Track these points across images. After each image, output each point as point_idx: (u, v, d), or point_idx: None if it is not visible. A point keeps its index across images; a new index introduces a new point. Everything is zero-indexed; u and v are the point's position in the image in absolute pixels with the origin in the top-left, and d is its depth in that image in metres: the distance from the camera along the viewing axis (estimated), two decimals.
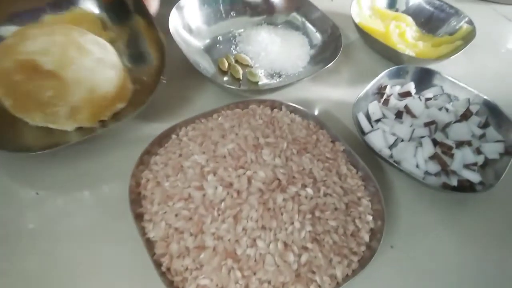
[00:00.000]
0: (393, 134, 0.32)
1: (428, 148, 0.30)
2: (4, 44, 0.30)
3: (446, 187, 0.29)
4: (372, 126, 0.33)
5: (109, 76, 0.31)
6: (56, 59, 0.29)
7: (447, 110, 0.33)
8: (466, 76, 0.39)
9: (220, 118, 0.29)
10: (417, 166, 0.30)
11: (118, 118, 0.31)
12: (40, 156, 0.29)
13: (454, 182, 0.30)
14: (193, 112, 0.33)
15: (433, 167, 0.30)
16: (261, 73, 0.39)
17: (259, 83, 0.38)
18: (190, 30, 0.40)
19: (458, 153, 0.30)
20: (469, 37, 0.41)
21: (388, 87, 0.35)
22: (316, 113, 0.36)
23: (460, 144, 0.31)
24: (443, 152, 0.30)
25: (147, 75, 0.33)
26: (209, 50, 0.40)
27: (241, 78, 0.38)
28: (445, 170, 0.30)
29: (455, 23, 0.43)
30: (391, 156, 0.31)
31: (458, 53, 0.39)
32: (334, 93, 0.39)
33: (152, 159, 0.28)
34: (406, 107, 0.33)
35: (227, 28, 0.42)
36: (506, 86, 0.42)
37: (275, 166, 0.25)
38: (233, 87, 0.35)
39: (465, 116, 0.33)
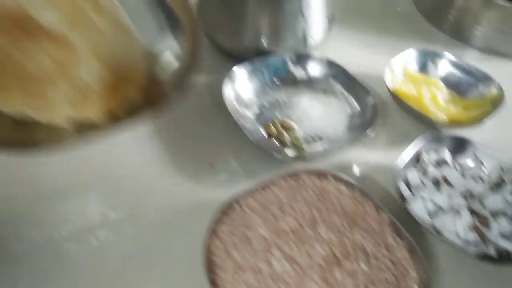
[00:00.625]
0: (433, 202, 0.35)
1: (465, 219, 0.33)
2: None
3: (485, 257, 0.32)
4: (412, 193, 0.36)
5: (124, 44, 0.22)
6: (64, 15, 0.20)
7: (482, 179, 0.36)
8: (497, 142, 0.42)
9: (276, 190, 0.33)
10: (457, 235, 0.33)
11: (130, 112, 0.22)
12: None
13: (492, 251, 0.32)
14: (244, 177, 0.37)
15: (472, 237, 0.33)
16: (304, 138, 0.43)
17: (303, 146, 0.42)
18: (240, 99, 0.44)
19: (494, 224, 0.33)
20: (497, 102, 0.44)
21: (424, 154, 0.38)
22: (356, 175, 0.40)
23: (495, 214, 0.34)
24: (480, 222, 0.33)
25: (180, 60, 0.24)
26: (257, 116, 0.45)
27: (287, 142, 0.42)
28: (483, 240, 0.33)
29: (484, 87, 0.46)
30: (432, 225, 0.34)
31: (489, 117, 0.42)
32: (371, 156, 0.42)
33: (219, 227, 0.31)
34: (443, 177, 0.36)
35: (272, 95, 0.47)
36: None
37: (331, 242, 0.28)
38: (285, 156, 0.39)
39: (499, 185, 0.35)
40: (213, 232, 0.30)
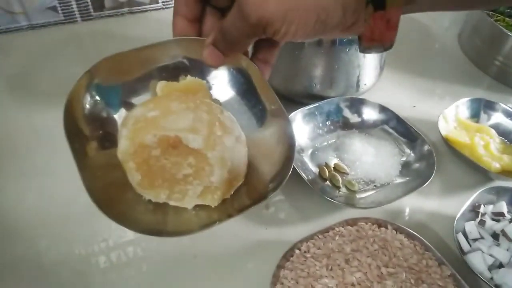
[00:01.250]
0: (492, 256, 0.35)
1: None
2: (144, 118, 0.27)
3: None
4: (470, 245, 0.37)
5: (243, 155, 0.30)
6: (204, 138, 0.27)
7: None
8: None
9: (337, 238, 0.34)
10: None
11: (239, 205, 0.29)
12: None
13: None
14: (299, 219, 0.39)
15: None
16: (357, 181, 0.44)
17: (356, 189, 0.43)
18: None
19: None
20: None
21: (482, 206, 0.39)
22: (412, 224, 0.40)
23: None
24: None
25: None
26: (310, 159, 0.46)
27: (341, 186, 0.44)
28: None
29: None
30: (491, 279, 0.34)
31: None
32: (425, 205, 0.43)
33: (281, 273, 0.33)
34: (502, 231, 0.36)
35: (325, 139, 0.49)
36: None
37: None
38: (338, 200, 0.40)
39: None
40: (276, 278, 0.32)
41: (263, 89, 0.30)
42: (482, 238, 0.37)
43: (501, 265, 0.35)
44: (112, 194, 0.27)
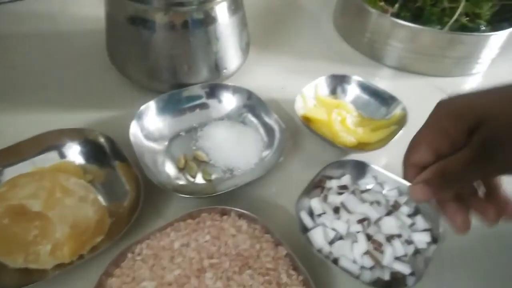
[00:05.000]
0: (333, 230, 0.36)
1: (361, 245, 0.34)
2: None
3: (378, 282, 0.33)
4: (315, 222, 0.37)
5: (90, 212, 0.35)
6: (43, 201, 0.34)
7: (378, 203, 0.37)
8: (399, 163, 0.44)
9: (172, 234, 0.32)
10: (355, 261, 0.34)
11: (94, 250, 0.34)
12: None
13: (387, 275, 0.33)
14: (157, 223, 0.36)
15: (368, 262, 0.34)
16: (215, 170, 0.42)
17: (213, 178, 0.42)
18: (149, 135, 0.44)
19: (389, 248, 0.34)
20: (402, 122, 0.46)
21: (327, 181, 0.39)
22: (265, 209, 0.40)
23: (391, 237, 0.35)
24: (374, 248, 0.34)
25: (123, 207, 0.38)
26: (167, 150, 0.44)
27: (195, 176, 0.42)
28: (378, 265, 0.34)
29: (391, 107, 0.48)
30: (330, 253, 0.34)
31: (395, 138, 0.43)
32: (282, 186, 0.42)
33: (108, 282, 0.30)
34: (342, 203, 0.37)
35: (188, 123, 0.46)
36: None
37: None
38: (186, 196, 0.38)
39: (395, 207, 0.37)
40: (99, 285, 0.29)
41: None
42: (325, 213, 0.37)
43: (341, 238, 0.36)
44: None
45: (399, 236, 0.35)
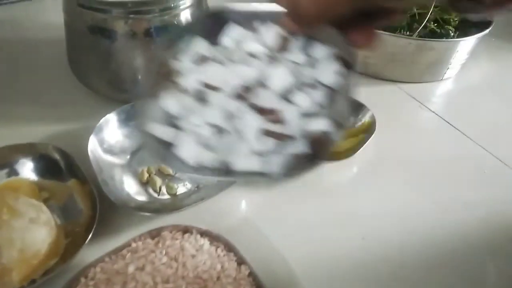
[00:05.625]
0: (208, 126, 0.23)
1: (251, 125, 0.22)
2: None
3: (298, 160, 0.22)
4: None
5: (41, 234, 0.33)
6: None
7: (255, 56, 0.24)
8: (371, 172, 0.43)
9: (128, 256, 0.31)
10: (253, 152, 0.22)
11: (48, 273, 0.32)
12: None
13: (302, 146, 0.22)
14: (116, 242, 0.34)
15: (270, 143, 0.22)
16: (180, 184, 0.41)
17: (178, 193, 0.40)
18: (110, 149, 0.42)
19: (289, 110, 0.22)
20: (371, 129, 0.45)
21: (176, 63, 0.25)
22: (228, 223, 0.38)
23: (287, 93, 0.23)
24: (270, 120, 0.22)
25: (79, 226, 0.35)
26: (128, 163, 0.42)
27: (159, 190, 0.40)
28: (286, 139, 0.22)
29: (360, 115, 0.48)
30: (218, 162, 0.22)
31: (364, 147, 0.43)
32: (251, 199, 0.41)
33: None
34: (203, 82, 0.23)
35: None
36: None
37: None
38: (146, 213, 0.37)
39: (280, 49, 0.24)
40: None
41: None
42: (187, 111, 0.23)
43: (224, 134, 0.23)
44: None
45: (298, 86, 0.23)
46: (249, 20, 0.24)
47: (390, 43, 0.54)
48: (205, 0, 0.47)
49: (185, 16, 0.44)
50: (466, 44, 0.56)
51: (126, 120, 0.44)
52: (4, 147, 0.38)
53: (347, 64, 0.23)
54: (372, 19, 0.22)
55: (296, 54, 0.23)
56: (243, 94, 0.22)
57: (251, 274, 0.31)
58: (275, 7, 0.22)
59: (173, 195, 0.40)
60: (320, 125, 0.22)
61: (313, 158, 0.22)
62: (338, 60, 0.23)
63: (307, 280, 0.34)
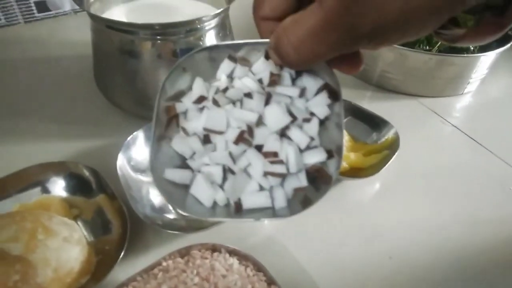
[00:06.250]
0: (218, 166, 0.24)
1: (256, 167, 0.23)
2: None
3: (299, 193, 0.23)
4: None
5: (74, 253, 0.34)
6: (23, 244, 0.32)
7: (249, 96, 0.24)
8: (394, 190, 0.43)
9: (160, 275, 0.31)
10: (261, 188, 0.23)
11: None
12: None
13: (303, 179, 0.23)
14: (146, 260, 0.35)
15: (274, 181, 0.23)
16: None
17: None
18: (138, 167, 0.42)
19: (289, 149, 0.23)
20: (395, 146, 0.45)
21: (177, 105, 0.26)
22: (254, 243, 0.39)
23: (285, 129, 0.23)
24: (271, 162, 0.23)
25: (110, 244, 0.36)
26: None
27: None
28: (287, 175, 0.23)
29: (383, 131, 0.48)
30: (228, 204, 0.24)
31: (388, 164, 0.43)
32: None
33: None
34: (205, 128, 0.24)
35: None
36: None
37: None
38: (175, 231, 0.37)
39: (271, 84, 0.24)
40: None
41: None
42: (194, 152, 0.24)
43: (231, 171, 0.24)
44: None
45: (293, 121, 0.23)
46: (238, 50, 0.25)
47: (410, 58, 0.55)
48: (229, 21, 0.48)
49: (210, 36, 0.45)
50: (487, 59, 0.56)
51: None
52: (35, 166, 0.40)
53: (334, 93, 0.24)
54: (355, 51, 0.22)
55: (287, 87, 0.24)
56: (245, 136, 0.23)
57: None
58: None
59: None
60: (317, 157, 0.23)
61: (316, 190, 0.23)
62: (326, 89, 0.24)
63: None
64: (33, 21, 0.69)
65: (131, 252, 0.36)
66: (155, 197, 0.41)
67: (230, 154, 0.23)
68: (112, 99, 0.49)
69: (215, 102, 0.24)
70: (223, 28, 0.46)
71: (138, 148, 0.43)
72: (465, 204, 0.43)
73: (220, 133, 0.23)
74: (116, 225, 0.37)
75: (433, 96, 0.59)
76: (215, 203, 0.23)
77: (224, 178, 0.23)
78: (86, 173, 0.40)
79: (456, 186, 0.45)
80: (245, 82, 0.24)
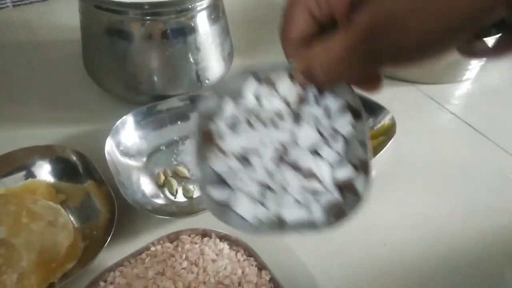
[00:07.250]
0: (258, 184, 0.25)
1: (293, 183, 0.24)
2: None
3: (335, 207, 0.23)
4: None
5: (59, 237, 0.33)
6: (7, 227, 0.31)
7: (280, 116, 0.25)
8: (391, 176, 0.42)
9: (147, 260, 0.30)
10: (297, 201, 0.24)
11: (67, 277, 0.32)
12: None
13: (336, 194, 0.24)
14: (134, 245, 0.34)
15: (310, 197, 0.24)
16: (197, 187, 0.40)
17: (194, 196, 0.39)
18: (127, 151, 0.41)
19: (321, 165, 0.24)
20: (391, 132, 0.44)
21: (213, 125, 0.26)
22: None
23: (315, 145, 0.24)
24: (306, 178, 0.24)
25: (97, 229, 0.35)
26: (145, 165, 0.42)
27: (175, 193, 0.40)
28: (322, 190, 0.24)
29: (379, 117, 0.47)
30: (273, 218, 0.24)
31: (384, 150, 0.42)
32: None
33: None
34: (243, 147, 0.24)
35: (169, 136, 0.44)
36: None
37: None
38: (165, 216, 0.36)
39: (299, 103, 0.25)
40: None
41: None
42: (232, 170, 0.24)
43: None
44: None
45: (322, 138, 0.24)
46: (266, 73, 0.26)
47: None
48: (222, 2, 0.47)
49: (201, 18, 0.43)
50: None
51: (143, 122, 0.43)
52: (21, 149, 0.38)
53: (356, 111, 0.25)
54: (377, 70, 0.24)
55: (313, 106, 0.25)
56: (281, 155, 0.25)
57: (272, 279, 0.30)
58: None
59: (190, 198, 0.39)
60: (345, 172, 0.24)
61: (347, 203, 0.24)
62: (348, 107, 0.25)
63: (327, 286, 0.34)
64: (22, 4, 0.67)
65: (120, 238, 0.35)
66: (145, 182, 0.40)
67: (267, 171, 0.24)
68: (101, 82, 0.48)
69: (248, 122, 0.25)
70: (216, 9, 0.45)
71: (127, 133, 0.42)
72: (463, 191, 0.43)
73: (257, 152, 0.25)
74: (104, 210, 0.36)
75: (431, 83, 0.57)
76: (258, 219, 0.24)
77: (263, 195, 0.24)
78: (74, 157, 0.39)
79: (454, 174, 0.45)
80: (273, 102, 0.26)
